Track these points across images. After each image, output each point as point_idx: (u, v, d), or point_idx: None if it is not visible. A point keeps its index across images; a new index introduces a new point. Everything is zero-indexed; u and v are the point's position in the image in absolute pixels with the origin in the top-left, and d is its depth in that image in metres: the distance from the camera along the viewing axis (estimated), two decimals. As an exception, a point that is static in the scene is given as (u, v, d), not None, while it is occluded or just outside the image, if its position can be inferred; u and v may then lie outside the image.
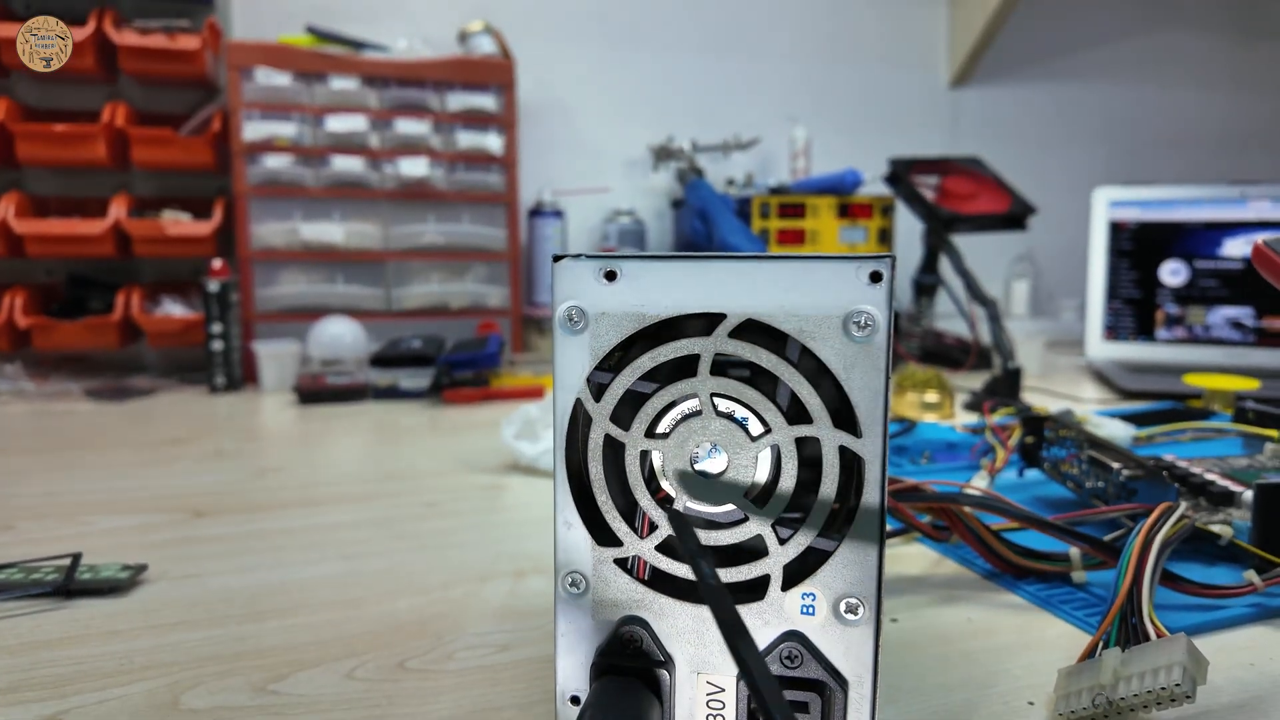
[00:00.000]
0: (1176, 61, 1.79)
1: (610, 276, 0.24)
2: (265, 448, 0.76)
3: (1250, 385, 0.82)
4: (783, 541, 0.24)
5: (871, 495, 0.23)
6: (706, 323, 0.24)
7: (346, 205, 1.12)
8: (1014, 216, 1.03)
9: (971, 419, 0.84)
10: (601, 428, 0.25)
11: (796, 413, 0.24)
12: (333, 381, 0.96)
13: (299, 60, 1.08)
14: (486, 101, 1.15)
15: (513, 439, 0.65)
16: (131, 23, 1.05)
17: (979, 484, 0.51)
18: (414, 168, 1.12)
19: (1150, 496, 0.46)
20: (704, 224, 1.11)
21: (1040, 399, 0.96)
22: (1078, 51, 1.71)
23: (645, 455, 0.25)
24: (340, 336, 1.02)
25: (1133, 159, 1.75)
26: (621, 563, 0.25)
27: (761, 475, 0.24)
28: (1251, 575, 0.40)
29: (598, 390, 0.25)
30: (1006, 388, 0.89)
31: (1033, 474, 0.59)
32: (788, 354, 0.24)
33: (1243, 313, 1.19)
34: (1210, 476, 0.52)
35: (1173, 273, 1.23)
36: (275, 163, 1.08)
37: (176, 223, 1.08)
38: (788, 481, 0.24)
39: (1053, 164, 1.69)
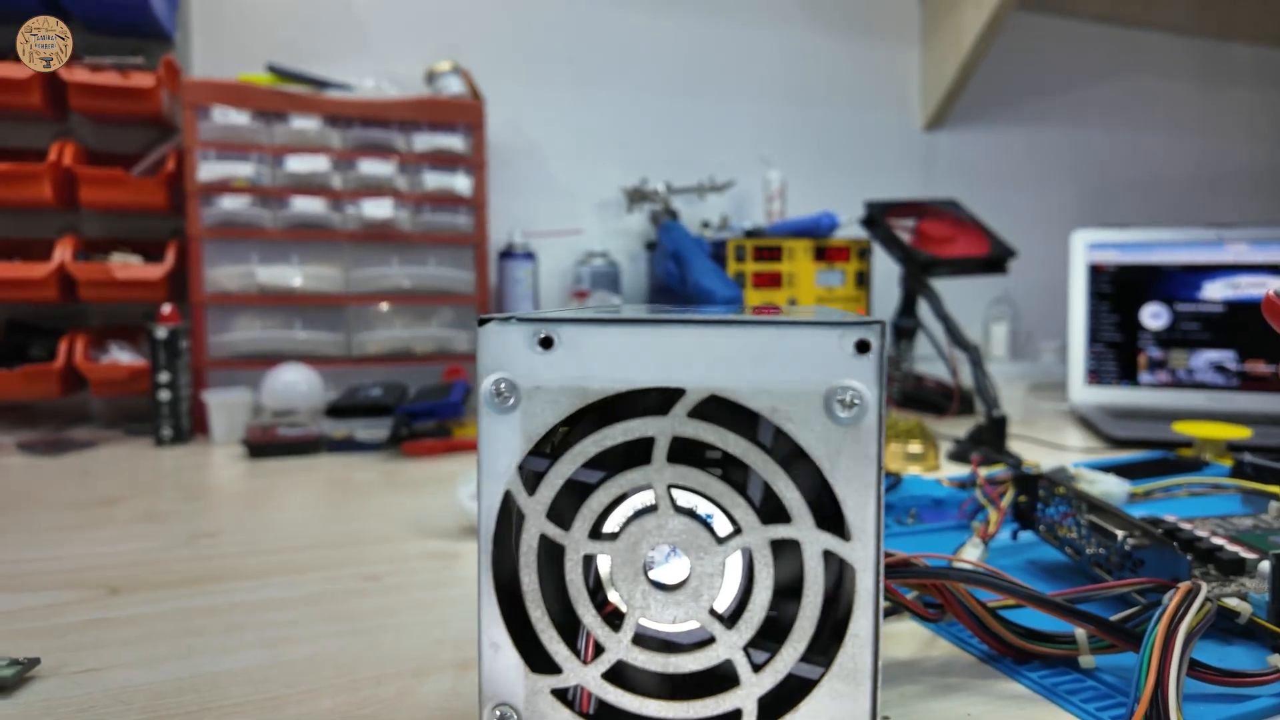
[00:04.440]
0: (1146, 106, 1.81)
1: (546, 343, 0.20)
2: (203, 509, 0.70)
3: (1242, 434, 0.79)
4: (757, 668, 0.20)
5: (863, 613, 0.19)
6: (663, 399, 0.20)
7: (306, 248, 1.08)
8: (994, 260, 1.01)
9: (957, 471, 0.80)
10: (537, 526, 0.20)
11: (772, 510, 0.20)
12: (284, 433, 0.91)
13: (258, 99, 1.04)
14: (454, 142, 1.12)
15: (468, 499, 0.60)
16: (83, 59, 1.01)
17: (972, 552, 0.47)
18: (378, 209, 1.08)
19: (1159, 568, 0.42)
20: (678, 267, 1.08)
21: (1026, 447, 0.93)
22: (1049, 95, 1.72)
23: (590, 560, 0.21)
24: (294, 385, 0.97)
25: (1105, 201, 1.76)
26: (561, 694, 0.20)
27: (731, 585, 0.20)
28: (1276, 660, 0.36)
29: (532, 480, 0.20)
30: (992, 436, 0.85)
31: (1027, 535, 0.55)
32: (760, 437, 0.20)
33: (1225, 356, 1.18)
34: (1217, 540, 0.49)
35: (1154, 316, 1.21)
36: (232, 204, 1.04)
37: (125, 266, 1.03)
38: (762, 594, 0.20)
39: (1026, 206, 1.69)
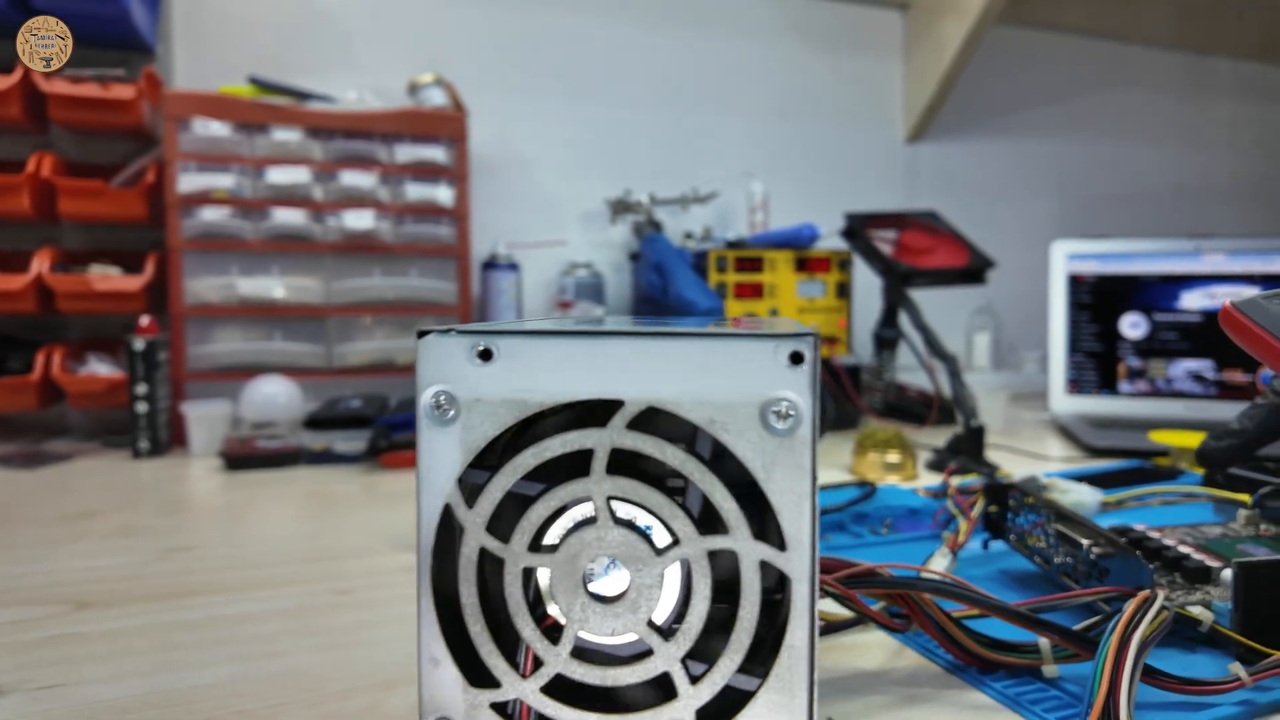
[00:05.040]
0: (1127, 118, 1.82)
1: (485, 355, 0.20)
2: (179, 522, 0.70)
3: (1216, 443, 0.79)
4: (695, 680, 0.20)
5: (799, 623, 0.19)
6: (603, 411, 0.20)
7: (287, 259, 1.08)
8: (972, 271, 1.02)
9: (935, 481, 0.81)
10: (476, 540, 0.20)
11: (712, 520, 0.20)
12: (263, 445, 0.90)
13: (239, 111, 1.04)
14: (436, 153, 1.12)
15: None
16: (63, 71, 1.01)
17: (940, 562, 0.48)
18: (359, 220, 1.08)
19: (1124, 577, 0.42)
20: (660, 278, 1.08)
21: (1005, 457, 0.93)
22: (1031, 107, 1.73)
23: (530, 574, 0.21)
24: (274, 397, 0.97)
25: (1087, 212, 1.77)
26: (500, 708, 0.20)
27: (670, 597, 0.20)
28: (1237, 669, 0.36)
29: (472, 493, 0.20)
30: (970, 446, 0.86)
31: (998, 545, 0.55)
32: (698, 449, 0.20)
33: (1203, 365, 1.19)
34: (1185, 549, 0.49)
35: (1133, 325, 1.22)
36: (212, 215, 1.04)
37: (104, 278, 1.02)
38: (700, 605, 0.20)
39: (1009, 217, 1.70)
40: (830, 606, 0.42)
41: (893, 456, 0.84)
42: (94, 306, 1.03)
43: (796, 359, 0.19)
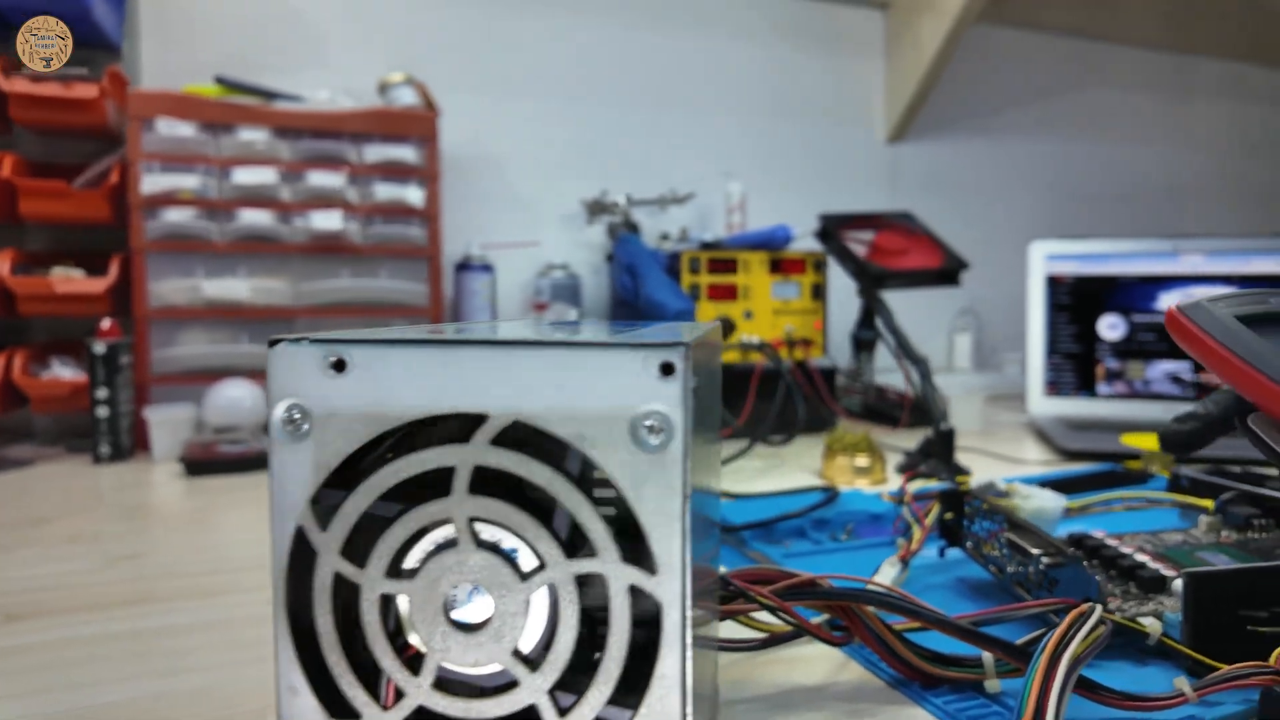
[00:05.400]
0: (1111, 117, 1.82)
1: (339, 366, 0.19)
2: (132, 529, 0.68)
3: (1188, 446, 0.78)
4: (563, 712, 0.18)
5: (671, 652, 0.18)
6: (466, 426, 0.19)
7: (254, 260, 1.06)
8: (946, 272, 1.01)
9: (916, 479, 0.79)
10: (330, 564, 0.19)
11: (580, 543, 0.18)
12: (225, 450, 0.89)
13: (204, 110, 1.03)
14: (406, 153, 1.10)
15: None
16: (23, 69, 0.99)
17: (888, 572, 0.46)
18: (327, 221, 1.07)
19: (1073, 588, 0.41)
20: (632, 279, 1.07)
21: (978, 460, 0.92)
22: (1014, 107, 1.72)
23: (388, 600, 0.19)
24: (238, 401, 0.95)
25: (1070, 212, 1.76)
26: (356, 741, 0.19)
27: (536, 624, 0.19)
28: (1182, 684, 0.35)
29: (326, 515, 0.19)
30: (940, 449, 0.85)
31: (956, 553, 0.54)
32: (568, 466, 0.19)
33: (1180, 367, 1.18)
34: (1141, 558, 0.48)
35: (1111, 327, 1.22)
36: (177, 216, 1.02)
37: (67, 280, 1.01)
38: (568, 633, 0.18)
39: (993, 217, 1.70)
40: (772, 618, 0.40)
41: (861, 460, 0.83)
42: (57, 309, 1.01)
43: (667, 370, 0.18)
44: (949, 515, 0.52)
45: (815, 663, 0.42)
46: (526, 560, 0.19)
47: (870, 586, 0.40)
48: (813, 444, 1.00)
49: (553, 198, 1.38)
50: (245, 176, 1.04)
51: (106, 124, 1.03)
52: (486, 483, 0.19)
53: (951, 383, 1.55)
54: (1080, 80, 1.77)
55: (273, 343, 0.19)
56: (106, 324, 0.95)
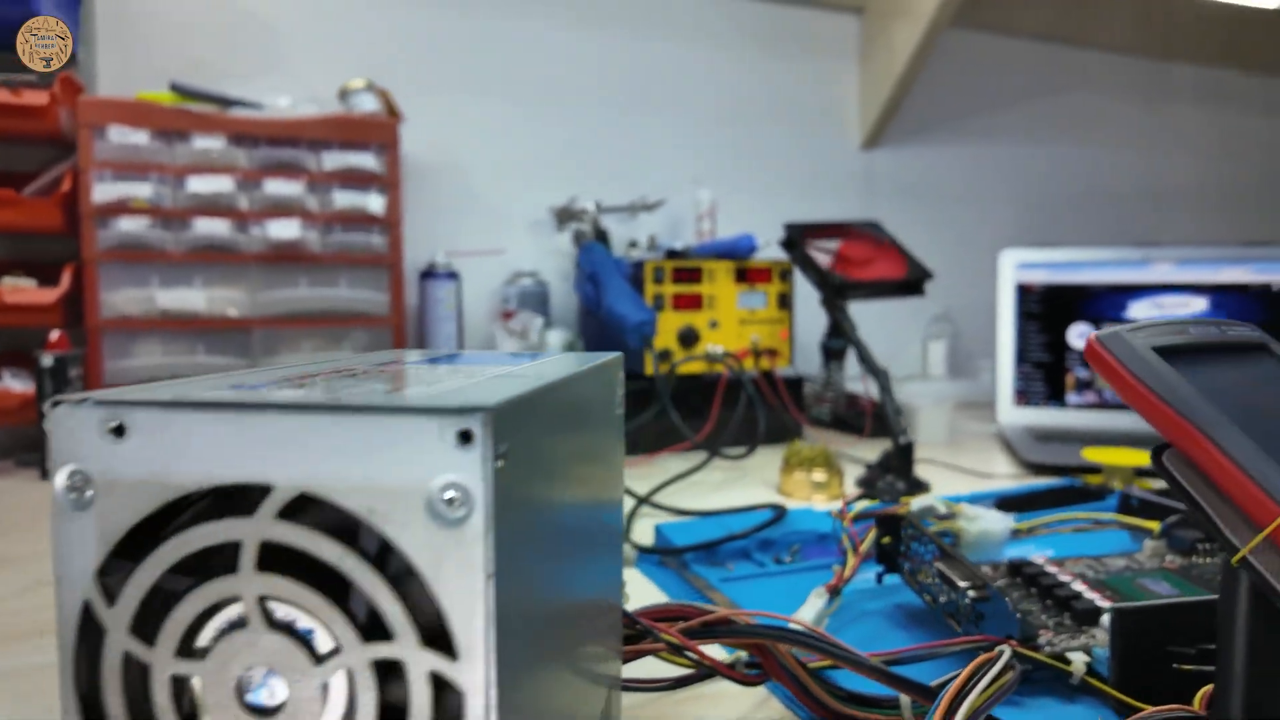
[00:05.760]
0: (1087, 121, 1.81)
1: (119, 431, 0.17)
2: (62, 550, 0.66)
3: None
4: (359, 806, 0.17)
5: (471, 744, 0.16)
6: (260, 497, 0.17)
7: (210, 270, 1.04)
8: (910, 283, 1.00)
9: (859, 500, 0.78)
10: (119, 642, 0.18)
11: (378, 625, 0.17)
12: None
13: (158, 118, 1.01)
14: (367, 160, 1.09)
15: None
16: (-28, 76, 0.97)
17: (815, 603, 0.45)
18: (285, 229, 1.05)
19: (997, 625, 0.40)
20: (594, 289, 1.05)
21: (941, 474, 0.91)
22: (989, 112, 1.72)
23: (181, 682, 0.18)
24: (191, 414, 0.94)
25: (1046, 217, 1.76)
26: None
27: (337, 711, 0.18)
28: (1101, 728, 0.34)
29: (111, 589, 0.18)
30: (900, 464, 0.84)
31: (895, 578, 0.53)
32: (363, 542, 0.17)
33: (1150, 376, 1.17)
34: (1078, 586, 0.47)
35: (1081, 336, 1.21)
36: (130, 225, 1.00)
37: (16, 290, 0.99)
38: (364, 721, 0.17)
39: (968, 222, 1.69)
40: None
41: (819, 475, 0.82)
42: (6, 320, 0.99)
43: (466, 438, 0.16)
44: (886, 540, 0.51)
45: (735, 699, 0.41)
46: (324, 642, 0.17)
47: (789, 622, 0.39)
48: (777, 455, 0.99)
49: (521, 204, 1.36)
50: (200, 185, 1.02)
51: (59, 131, 1.01)
52: (285, 559, 0.17)
53: (925, 390, 1.54)
54: (1055, 85, 1.76)
55: (54, 404, 0.18)
56: (55, 336, 0.93)
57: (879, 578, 0.52)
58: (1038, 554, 0.54)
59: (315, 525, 0.17)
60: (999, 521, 0.58)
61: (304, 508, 0.17)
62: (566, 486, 0.24)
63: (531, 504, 0.20)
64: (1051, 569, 0.50)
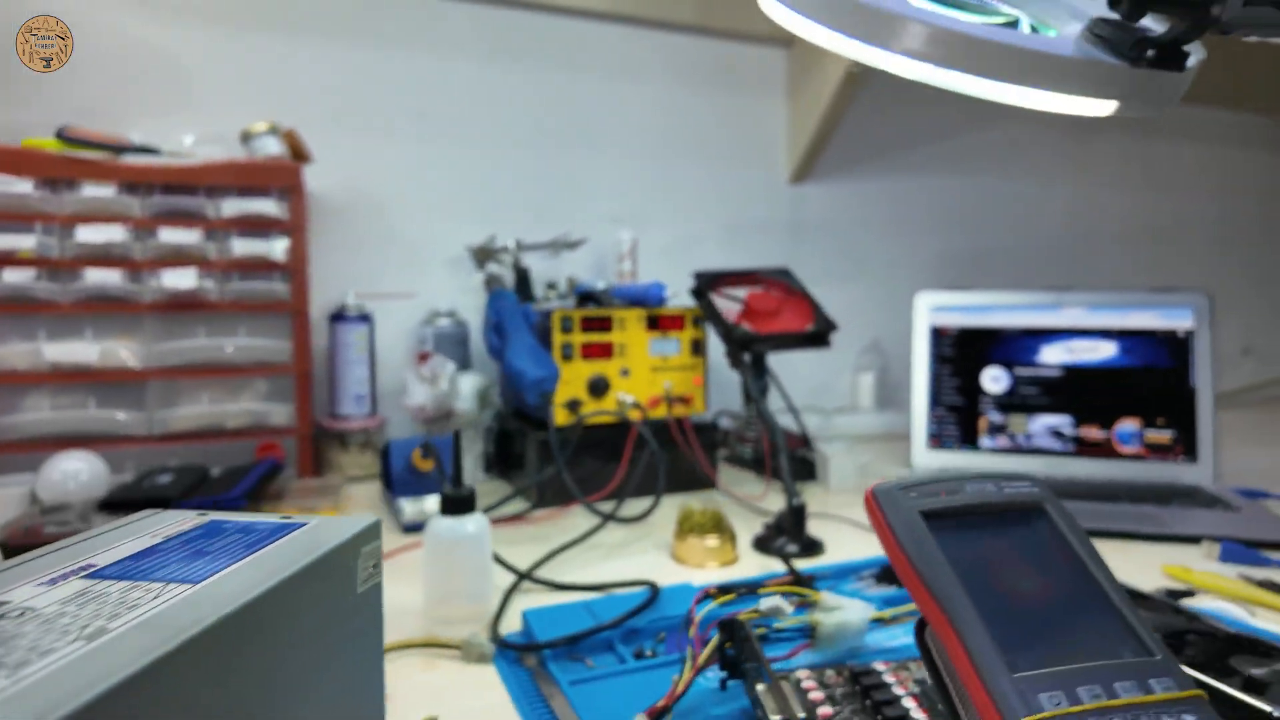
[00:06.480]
0: (1016, 155, 1.83)
1: None
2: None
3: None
4: None
5: None
6: None
7: (102, 321, 1.01)
8: (815, 335, 0.99)
9: (737, 572, 0.77)
10: None
11: None
12: (50, 532, 0.84)
13: (43, 166, 0.98)
14: (268, 206, 1.06)
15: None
16: None
17: (632, 733, 0.44)
18: (181, 279, 1.02)
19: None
20: (499, 340, 1.04)
21: (840, 531, 0.90)
22: (919, 145, 1.73)
23: None
24: (73, 474, 0.91)
25: (975, 248, 1.77)
26: None
27: None
28: None
29: None
30: (792, 525, 0.83)
31: (738, 684, 0.52)
32: None
33: (1062, 421, 1.18)
34: (908, 704, 0.46)
35: (994, 379, 1.22)
36: (14, 277, 0.97)
37: (-107, 345, 0.95)
38: None
39: (898, 254, 1.70)
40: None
41: (711, 541, 0.81)
42: (-117, 375, 0.96)
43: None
44: (729, 644, 0.50)
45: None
46: None
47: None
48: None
49: (440, 243, 1.34)
50: (90, 234, 0.99)
51: (-57, 178, 0.98)
52: None
53: (854, 422, 1.55)
54: (983, 118, 1.78)
55: None
56: (-72, 396, 0.90)
57: (723, 684, 0.51)
58: (881, 661, 0.53)
59: None
60: (858, 612, 0.58)
61: None
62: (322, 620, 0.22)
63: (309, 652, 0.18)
64: (890, 679, 0.49)
